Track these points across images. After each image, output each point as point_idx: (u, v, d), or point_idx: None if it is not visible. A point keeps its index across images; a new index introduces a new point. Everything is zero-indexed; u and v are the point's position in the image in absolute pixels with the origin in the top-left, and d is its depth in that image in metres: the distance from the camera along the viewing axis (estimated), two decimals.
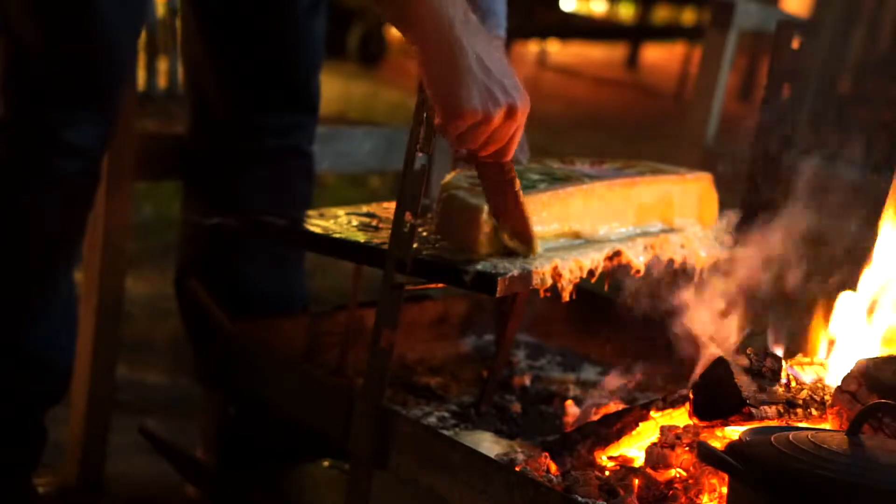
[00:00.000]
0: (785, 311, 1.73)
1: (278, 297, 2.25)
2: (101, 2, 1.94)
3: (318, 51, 2.25)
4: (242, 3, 2.17)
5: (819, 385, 1.63)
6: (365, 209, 1.96)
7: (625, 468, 1.61)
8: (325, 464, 2.18)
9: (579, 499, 1.51)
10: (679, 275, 1.87)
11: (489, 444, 1.75)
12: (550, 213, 1.77)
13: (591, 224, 1.82)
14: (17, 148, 1.98)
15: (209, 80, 2.23)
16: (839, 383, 1.58)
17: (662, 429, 1.62)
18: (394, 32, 7.80)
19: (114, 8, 1.96)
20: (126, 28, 2.01)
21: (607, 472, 1.61)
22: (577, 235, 1.80)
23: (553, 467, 1.61)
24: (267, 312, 2.18)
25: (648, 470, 1.57)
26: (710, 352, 1.72)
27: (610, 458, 1.67)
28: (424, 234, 1.78)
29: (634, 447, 1.70)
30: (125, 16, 1.99)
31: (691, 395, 1.63)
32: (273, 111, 2.22)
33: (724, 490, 1.45)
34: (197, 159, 2.28)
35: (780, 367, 1.63)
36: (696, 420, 1.62)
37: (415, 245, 1.66)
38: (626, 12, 10.03)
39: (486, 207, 1.70)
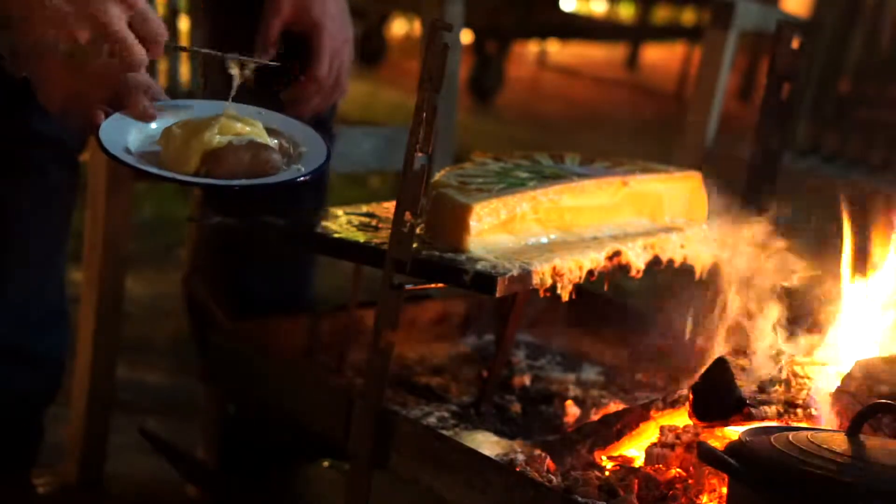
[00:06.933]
0: (785, 310, 1.73)
1: (284, 303, 2.24)
2: None
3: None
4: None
5: (818, 385, 1.63)
6: (365, 209, 1.96)
7: (625, 468, 1.61)
8: (325, 464, 2.17)
9: (579, 499, 1.51)
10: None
11: (489, 444, 1.75)
12: (540, 210, 1.78)
13: (580, 222, 1.82)
14: None
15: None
16: (839, 383, 1.58)
17: (662, 429, 1.62)
18: (394, 32, 7.79)
19: None
20: None
21: (607, 472, 1.61)
22: (566, 233, 1.80)
23: (553, 467, 1.61)
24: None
25: (648, 470, 1.57)
26: (711, 352, 1.72)
27: (610, 458, 1.67)
28: (418, 231, 1.77)
29: (634, 447, 1.70)
30: None
31: (691, 395, 1.63)
32: None
33: (724, 490, 1.45)
34: None
35: (780, 367, 1.63)
36: (696, 420, 1.62)
37: (414, 245, 1.66)
38: (626, 12, 10.01)
39: (474, 205, 1.70)
